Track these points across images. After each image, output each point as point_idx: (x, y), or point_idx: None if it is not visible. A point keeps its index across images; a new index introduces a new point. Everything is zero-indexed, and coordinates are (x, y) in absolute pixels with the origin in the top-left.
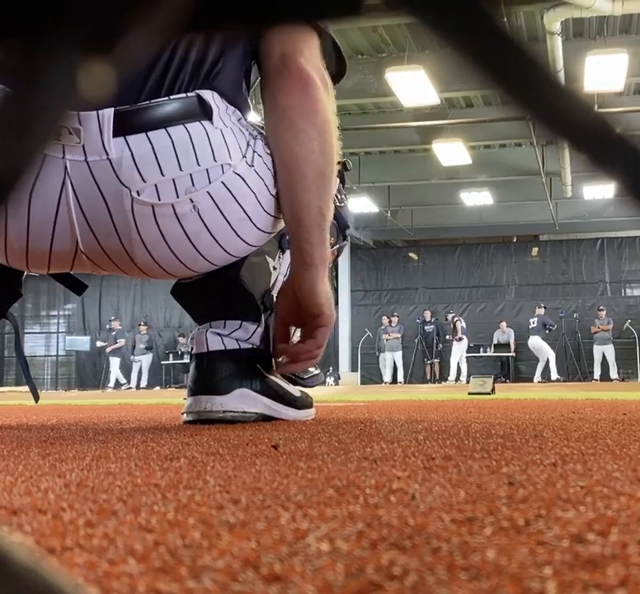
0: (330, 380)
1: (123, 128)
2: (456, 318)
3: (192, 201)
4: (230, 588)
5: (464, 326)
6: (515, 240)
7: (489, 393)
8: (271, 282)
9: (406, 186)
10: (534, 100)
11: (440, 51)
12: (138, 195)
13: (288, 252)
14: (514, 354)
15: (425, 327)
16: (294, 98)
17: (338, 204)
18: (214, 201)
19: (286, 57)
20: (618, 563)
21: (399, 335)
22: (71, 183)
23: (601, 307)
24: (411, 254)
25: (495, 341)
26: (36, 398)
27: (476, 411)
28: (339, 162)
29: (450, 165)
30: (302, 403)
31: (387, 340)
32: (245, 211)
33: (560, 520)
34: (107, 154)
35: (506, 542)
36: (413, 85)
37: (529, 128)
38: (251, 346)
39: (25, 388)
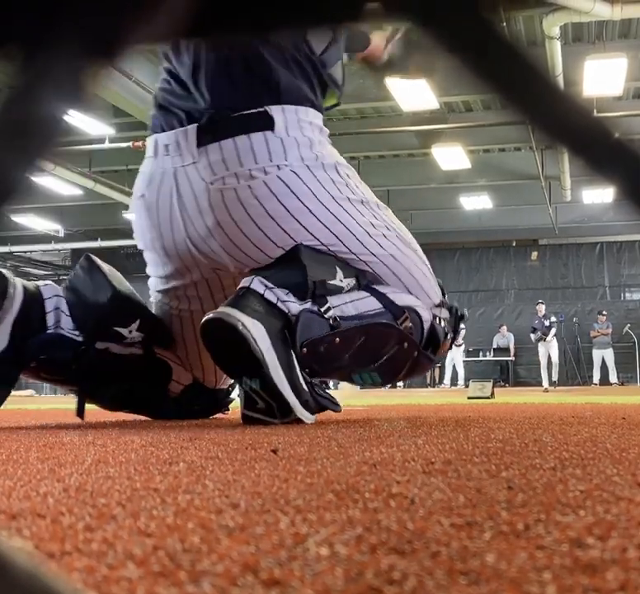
0: (330, 384)
1: (202, 139)
2: (462, 327)
3: (251, 188)
4: (229, 593)
5: (465, 330)
6: (514, 244)
7: (488, 398)
8: (331, 285)
9: (405, 190)
10: (533, 104)
11: (440, 56)
12: (211, 184)
13: (361, 293)
14: (513, 358)
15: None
16: None
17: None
18: (271, 191)
19: None
20: (617, 568)
21: None
22: (177, 185)
23: (602, 311)
24: None
25: (494, 346)
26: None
27: (475, 415)
28: (458, 314)
29: (450, 169)
30: (304, 400)
31: None
32: (303, 204)
33: (559, 524)
34: (193, 159)
35: (506, 546)
36: (412, 89)
37: (528, 132)
38: (286, 310)
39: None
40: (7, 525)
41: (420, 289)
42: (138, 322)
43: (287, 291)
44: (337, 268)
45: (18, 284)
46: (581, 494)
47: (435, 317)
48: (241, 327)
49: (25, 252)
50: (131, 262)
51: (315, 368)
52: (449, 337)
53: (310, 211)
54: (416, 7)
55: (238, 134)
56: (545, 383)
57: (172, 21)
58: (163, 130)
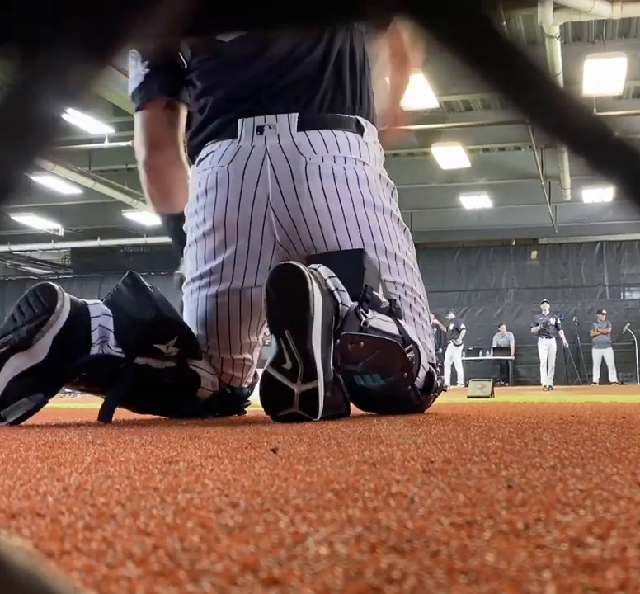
0: None
1: (303, 125)
2: (462, 327)
3: (345, 170)
4: (229, 592)
5: (465, 330)
6: (514, 243)
7: (488, 397)
8: (375, 296)
9: (405, 189)
10: (533, 103)
11: (439, 55)
12: (310, 160)
13: (386, 316)
14: (513, 357)
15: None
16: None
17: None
18: (358, 177)
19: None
20: (617, 567)
21: None
22: (270, 158)
23: (601, 310)
24: None
25: (494, 345)
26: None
27: (475, 414)
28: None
29: (449, 168)
30: (328, 379)
31: None
32: (362, 195)
33: (559, 523)
34: (293, 138)
35: (505, 546)
36: (412, 88)
37: (528, 131)
38: (340, 299)
39: None
40: (6, 524)
41: (425, 339)
42: (176, 339)
43: (340, 283)
44: (380, 284)
45: (67, 299)
46: (580, 493)
47: (432, 366)
48: (308, 277)
49: (25, 251)
50: (131, 261)
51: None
52: (435, 392)
53: (383, 211)
54: (415, 6)
55: (337, 129)
56: (543, 381)
57: (172, 19)
58: (250, 115)
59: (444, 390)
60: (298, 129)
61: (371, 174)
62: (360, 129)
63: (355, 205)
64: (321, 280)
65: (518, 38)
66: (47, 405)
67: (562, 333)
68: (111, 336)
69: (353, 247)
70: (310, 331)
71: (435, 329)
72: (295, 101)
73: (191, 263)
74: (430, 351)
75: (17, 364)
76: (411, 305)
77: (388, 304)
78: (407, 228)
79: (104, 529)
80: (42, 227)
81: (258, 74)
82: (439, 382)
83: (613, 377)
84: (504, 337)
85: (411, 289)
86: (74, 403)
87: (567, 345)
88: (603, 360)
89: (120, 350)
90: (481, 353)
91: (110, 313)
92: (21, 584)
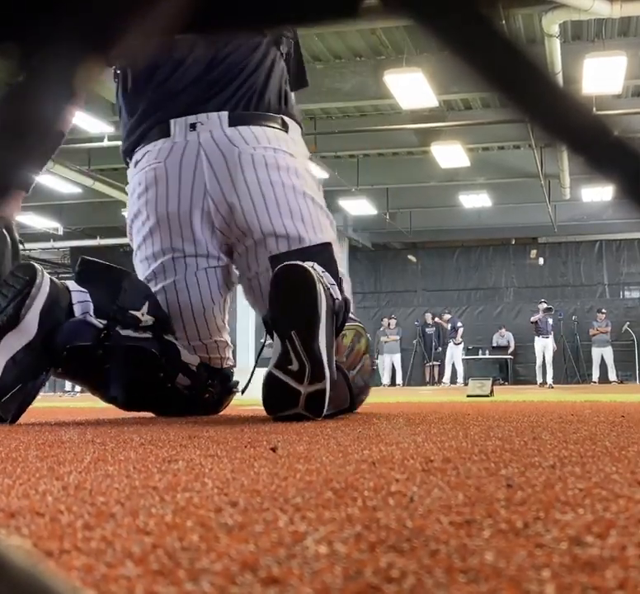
0: None
1: (234, 122)
2: (459, 325)
3: (276, 158)
4: (228, 591)
5: (462, 328)
6: (513, 242)
7: (488, 396)
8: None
9: (404, 188)
10: (533, 102)
11: (439, 53)
12: (242, 149)
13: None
14: (512, 356)
15: (426, 330)
16: None
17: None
18: (288, 165)
19: None
20: (616, 566)
21: (398, 337)
22: (204, 150)
23: (601, 309)
24: (409, 256)
25: (494, 344)
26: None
27: (474, 413)
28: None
29: (449, 167)
30: (334, 379)
31: (385, 342)
32: (293, 182)
33: (558, 522)
34: (224, 132)
35: (505, 545)
36: (412, 87)
37: (527, 130)
38: (336, 295)
39: None
40: (5, 523)
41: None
42: (147, 303)
43: (330, 276)
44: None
45: (46, 275)
46: (580, 492)
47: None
48: (316, 277)
49: (24, 250)
50: (130, 260)
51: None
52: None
53: (313, 200)
54: (415, 4)
55: (265, 125)
56: (539, 379)
57: (169, 17)
58: (182, 115)
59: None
60: (229, 125)
61: (299, 165)
62: (285, 127)
63: (287, 190)
64: (320, 278)
65: (517, 37)
66: (46, 404)
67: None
68: (91, 308)
69: (287, 230)
70: (318, 331)
71: (434, 328)
72: (225, 101)
73: (143, 264)
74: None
75: (11, 343)
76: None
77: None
78: (333, 220)
79: (103, 528)
80: (41, 226)
81: (189, 77)
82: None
83: (612, 376)
84: (503, 337)
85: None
86: (73, 403)
87: (555, 347)
88: (602, 359)
89: (101, 321)
90: (480, 352)
91: (85, 289)
92: (21, 583)
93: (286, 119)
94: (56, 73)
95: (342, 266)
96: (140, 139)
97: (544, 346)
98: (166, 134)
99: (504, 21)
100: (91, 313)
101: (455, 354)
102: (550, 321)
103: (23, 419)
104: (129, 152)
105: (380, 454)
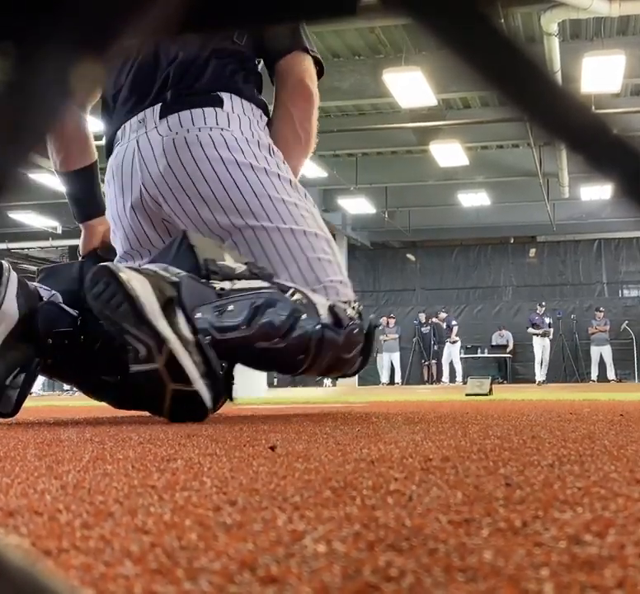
0: (327, 381)
1: (164, 113)
2: (454, 323)
3: (197, 137)
4: (226, 590)
5: (457, 326)
6: (512, 241)
7: (486, 395)
8: (225, 267)
9: (403, 187)
10: (532, 101)
11: (438, 52)
12: (165, 136)
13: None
14: (511, 355)
15: (422, 329)
16: (300, 110)
17: None
18: (213, 142)
19: (301, 80)
20: (615, 565)
21: (396, 336)
22: (138, 147)
23: (599, 308)
24: (408, 255)
25: (493, 343)
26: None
27: (473, 412)
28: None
29: (447, 166)
30: (190, 347)
31: (384, 341)
32: (235, 158)
33: (557, 521)
34: (155, 125)
35: (503, 543)
36: (410, 86)
37: (526, 129)
38: (177, 279)
39: None
40: (4, 522)
41: (318, 284)
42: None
43: (166, 266)
44: (226, 252)
45: (7, 264)
46: (578, 491)
47: (335, 303)
48: (114, 269)
49: (23, 248)
50: None
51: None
52: (352, 325)
53: (252, 169)
54: (414, 3)
55: (194, 108)
56: (538, 377)
57: (166, 16)
58: (131, 117)
59: (377, 326)
60: (160, 117)
61: (230, 136)
62: (219, 103)
63: (214, 164)
64: (145, 271)
65: (516, 35)
66: (44, 403)
67: (551, 331)
68: (55, 294)
69: (224, 208)
70: (142, 309)
71: (429, 328)
72: (161, 92)
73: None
74: (334, 287)
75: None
76: (301, 246)
77: (243, 267)
78: (294, 181)
79: (102, 527)
80: (40, 225)
81: (137, 76)
82: (354, 313)
83: (611, 375)
84: (502, 337)
85: (305, 232)
86: (72, 401)
87: (548, 341)
88: (601, 358)
89: (71, 309)
90: (479, 351)
91: (48, 288)
92: (19, 582)
93: (223, 95)
94: (54, 72)
95: (342, 266)
96: (111, 142)
97: (543, 344)
98: (120, 138)
99: (503, 20)
100: (55, 298)
101: (453, 352)
102: (547, 320)
103: (22, 418)
104: (108, 152)
105: (379, 453)
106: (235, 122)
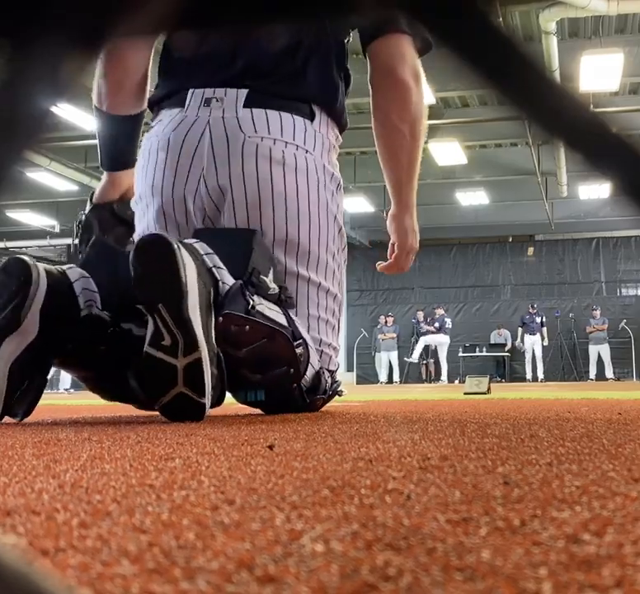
0: None
1: (251, 103)
2: (447, 324)
3: (283, 153)
4: (224, 589)
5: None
6: (510, 240)
7: (485, 393)
8: (262, 280)
9: None
10: (530, 99)
11: (436, 51)
12: (249, 138)
13: (275, 306)
14: (509, 354)
15: (425, 327)
16: (393, 105)
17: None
18: (296, 165)
19: (390, 69)
20: (613, 564)
21: (395, 335)
22: (210, 130)
23: (595, 307)
24: None
25: (492, 341)
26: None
27: (472, 411)
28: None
29: (446, 165)
30: (213, 352)
31: (382, 340)
32: (297, 184)
33: (555, 520)
34: (237, 113)
35: (502, 542)
36: None
37: (524, 127)
38: (219, 276)
39: None
40: (1, 521)
41: (321, 347)
42: (272, 270)
43: (220, 261)
44: (272, 269)
45: (41, 269)
46: (577, 490)
47: (322, 369)
48: (176, 248)
49: (21, 247)
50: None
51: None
52: (324, 395)
53: (318, 206)
54: (411, 1)
55: (284, 111)
56: (530, 375)
57: (161, 11)
58: (201, 87)
59: (339, 394)
60: (245, 105)
61: (312, 164)
62: (311, 116)
63: (288, 192)
64: (196, 253)
65: (515, 34)
66: (42, 402)
67: (544, 330)
68: (97, 297)
69: (275, 236)
70: (185, 301)
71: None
72: (251, 78)
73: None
74: (329, 359)
75: (12, 347)
76: (318, 304)
77: (276, 290)
78: (343, 229)
79: (99, 526)
80: (38, 223)
81: (220, 50)
82: (329, 385)
83: (609, 373)
84: (501, 336)
85: (328, 290)
86: (71, 400)
87: (546, 343)
88: (599, 357)
89: (107, 313)
90: (477, 349)
91: (88, 275)
92: (15, 582)
93: (316, 108)
94: (46, 67)
95: (327, 280)
96: (161, 99)
97: (533, 343)
98: (181, 103)
99: (501, 18)
100: (97, 303)
101: (439, 350)
102: (538, 319)
103: None
104: (151, 105)
105: (377, 452)
106: (320, 145)
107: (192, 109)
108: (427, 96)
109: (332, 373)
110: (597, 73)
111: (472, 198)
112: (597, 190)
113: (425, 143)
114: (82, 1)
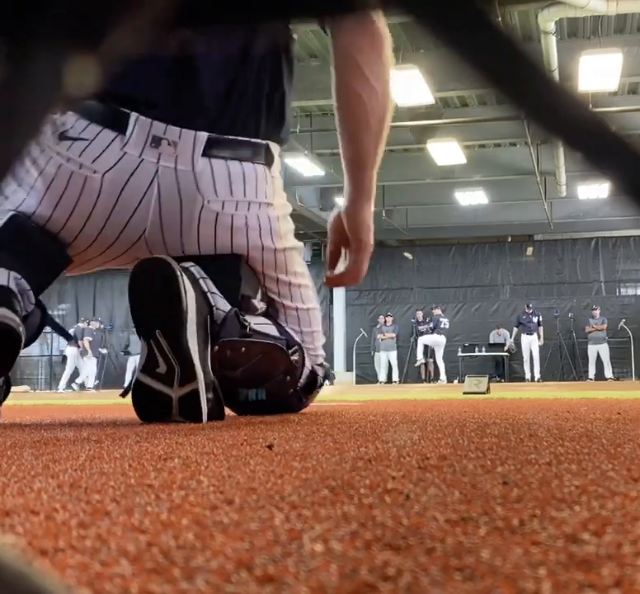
0: (325, 381)
1: (210, 151)
2: (442, 324)
3: (246, 218)
4: (223, 589)
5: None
6: (509, 240)
7: (484, 393)
8: (252, 304)
9: (401, 185)
10: (529, 99)
11: (435, 50)
12: (208, 203)
13: (264, 319)
14: (508, 354)
15: (420, 328)
16: (368, 56)
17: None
18: (260, 228)
19: (361, 19)
20: (613, 564)
21: (394, 335)
22: (158, 184)
23: (595, 306)
24: (406, 254)
25: (491, 341)
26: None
27: (471, 410)
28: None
29: (445, 164)
30: (209, 380)
31: (382, 340)
32: (262, 242)
33: (555, 520)
34: (193, 166)
35: (501, 542)
36: (408, 84)
37: (523, 127)
38: (214, 302)
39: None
40: (0, 521)
41: (311, 343)
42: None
43: (214, 286)
44: (259, 288)
45: None
46: (576, 489)
47: (313, 367)
48: (178, 273)
49: None
50: None
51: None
52: (319, 388)
53: (274, 251)
54: (411, 0)
55: (246, 161)
56: (528, 375)
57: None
58: (148, 115)
59: (329, 380)
60: (204, 154)
61: (273, 218)
62: (269, 159)
63: (251, 253)
64: (193, 278)
65: (514, 33)
66: (41, 402)
67: (541, 330)
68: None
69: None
70: (185, 329)
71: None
72: (205, 111)
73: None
74: (316, 352)
75: None
76: (293, 297)
77: (264, 308)
78: (302, 252)
79: (98, 526)
80: None
81: (174, 68)
82: (321, 379)
83: (608, 373)
84: (500, 336)
85: (300, 285)
86: (69, 400)
87: (542, 343)
88: (598, 356)
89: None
90: (477, 349)
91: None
92: (14, 582)
93: (272, 146)
94: (45, 67)
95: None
96: (88, 110)
97: (530, 342)
98: (120, 127)
99: (500, 18)
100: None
101: (436, 349)
102: (535, 319)
103: (18, 417)
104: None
105: (376, 452)
106: (277, 192)
107: (136, 146)
108: (426, 95)
109: (322, 364)
110: (596, 73)
111: (472, 198)
112: (596, 190)
113: (424, 142)
114: (82, 1)
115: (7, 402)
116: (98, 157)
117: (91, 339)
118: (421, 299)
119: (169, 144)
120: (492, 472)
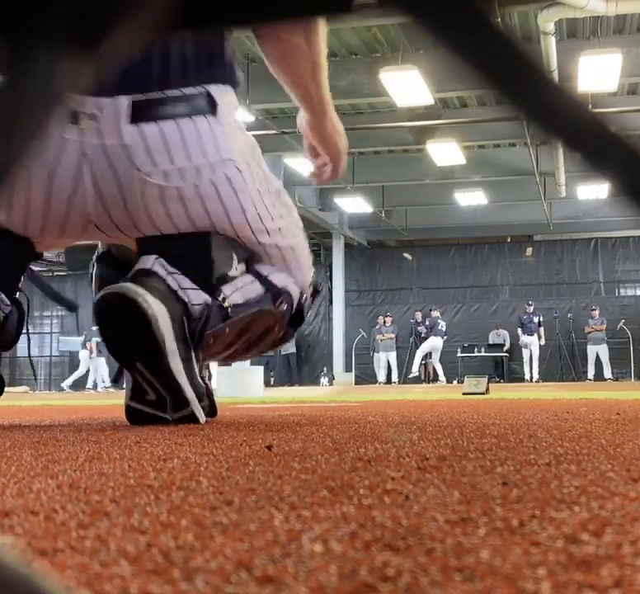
0: (324, 380)
1: (139, 116)
2: (440, 325)
3: (197, 187)
4: (223, 590)
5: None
6: (509, 240)
7: (483, 393)
8: (229, 276)
9: (400, 186)
10: (529, 99)
11: (434, 51)
12: (149, 177)
13: (246, 278)
14: (508, 354)
15: (419, 328)
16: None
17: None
18: (218, 192)
19: None
20: (612, 564)
21: (393, 335)
22: (90, 164)
23: (594, 307)
24: (405, 254)
25: (491, 342)
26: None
27: (470, 411)
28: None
29: (444, 165)
30: (200, 393)
31: (381, 340)
32: (241, 203)
33: (554, 520)
34: (122, 138)
35: (500, 543)
36: (407, 85)
37: (523, 128)
38: (187, 299)
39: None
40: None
41: (299, 270)
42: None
43: (185, 278)
44: (234, 255)
45: None
46: (575, 490)
47: (302, 294)
48: (142, 302)
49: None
50: None
51: (199, 356)
52: (308, 313)
53: (242, 209)
54: (410, 1)
55: (182, 117)
56: (528, 376)
57: (158, 12)
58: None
59: (318, 291)
60: (132, 121)
61: (233, 176)
62: (212, 107)
63: (212, 216)
64: (159, 283)
65: (513, 34)
66: (41, 403)
67: (541, 330)
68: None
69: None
70: (164, 355)
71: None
72: (124, 73)
73: None
74: (305, 276)
75: None
76: (283, 246)
77: (243, 268)
78: (282, 193)
79: (98, 527)
80: None
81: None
82: (308, 305)
83: (607, 373)
84: (499, 336)
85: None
86: (69, 400)
87: (543, 343)
88: (597, 357)
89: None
90: (476, 350)
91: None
92: (14, 582)
93: (214, 91)
94: (44, 67)
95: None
96: None
97: (530, 343)
98: None
99: (499, 19)
100: None
101: (433, 352)
102: (535, 319)
103: (18, 418)
104: None
105: (376, 453)
106: (233, 138)
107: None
108: (426, 95)
109: (312, 284)
110: (595, 74)
111: (471, 198)
112: (596, 191)
113: (424, 143)
114: (82, 1)
115: (8, 402)
116: None
117: (98, 340)
118: (421, 300)
119: (89, 118)
120: (492, 472)
